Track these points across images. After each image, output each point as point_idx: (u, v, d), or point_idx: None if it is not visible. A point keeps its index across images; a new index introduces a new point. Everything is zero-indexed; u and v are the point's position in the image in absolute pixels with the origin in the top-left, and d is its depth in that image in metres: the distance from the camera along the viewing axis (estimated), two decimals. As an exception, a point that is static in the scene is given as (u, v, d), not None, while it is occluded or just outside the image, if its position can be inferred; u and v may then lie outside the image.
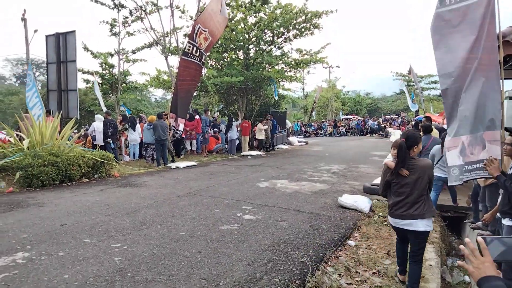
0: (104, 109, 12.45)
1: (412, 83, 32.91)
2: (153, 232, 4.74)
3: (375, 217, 6.00)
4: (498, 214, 3.50)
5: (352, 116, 39.42)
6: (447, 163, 5.06)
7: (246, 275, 3.47)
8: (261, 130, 16.12)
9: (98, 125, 11.62)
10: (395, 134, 23.96)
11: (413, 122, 11.62)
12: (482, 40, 4.82)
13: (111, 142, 11.43)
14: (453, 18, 4.83)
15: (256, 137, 16.38)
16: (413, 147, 3.44)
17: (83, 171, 8.56)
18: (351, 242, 4.83)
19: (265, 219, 5.46)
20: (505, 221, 3.29)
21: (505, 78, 5.24)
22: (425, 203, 3.40)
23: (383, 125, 31.83)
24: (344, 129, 32.81)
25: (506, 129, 4.33)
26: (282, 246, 4.35)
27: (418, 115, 20.61)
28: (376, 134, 31.29)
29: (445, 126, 8.18)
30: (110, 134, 11.45)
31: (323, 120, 37.94)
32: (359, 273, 3.95)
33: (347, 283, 3.68)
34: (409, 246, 3.64)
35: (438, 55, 4.94)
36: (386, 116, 36.11)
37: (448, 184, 4.90)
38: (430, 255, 4.70)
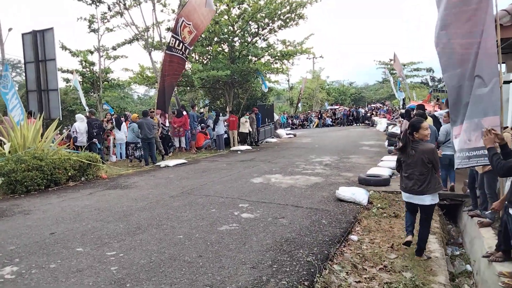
0: (86, 108, 11.98)
1: (394, 71, 33.15)
2: (149, 236, 4.53)
3: (374, 209, 5.93)
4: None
5: (338, 106, 39.55)
6: (455, 149, 5.07)
7: (252, 279, 3.32)
8: (243, 124, 15.63)
9: (79, 125, 11.17)
10: (382, 123, 24.13)
11: (402, 111, 11.64)
12: (481, 24, 4.73)
13: (96, 142, 11.04)
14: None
15: (240, 131, 15.93)
16: (413, 132, 4.06)
17: (69, 174, 8.23)
18: (354, 237, 4.73)
19: (264, 217, 5.31)
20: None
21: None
22: (428, 181, 3.96)
23: (369, 114, 32.03)
24: (330, 120, 32.89)
25: None
26: (285, 245, 4.20)
27: (404, 103, 20.72)
28: (363, 123, 31.50)
29: (436, 113, 8.18)
30: (95, 134, 11.05)
31: (308, 111, 37.91)
32: (366, 269, 3.85)
33: (355, 281, 3.57)
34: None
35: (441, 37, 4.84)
36: (372, 105, 36.32)
37: (456, 167, 5.14)
38: (434, 246, 4.64)
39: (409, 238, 4.25)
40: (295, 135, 21.42)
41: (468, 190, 5.83)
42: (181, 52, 11.81)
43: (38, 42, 11.59)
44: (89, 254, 3.97)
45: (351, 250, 4.33)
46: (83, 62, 18.63)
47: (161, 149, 11.76)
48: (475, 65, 4.61)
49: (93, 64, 19.00)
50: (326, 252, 4.05)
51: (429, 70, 45.52)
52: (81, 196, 6.99)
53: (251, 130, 16.16)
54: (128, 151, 11.74)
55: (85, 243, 4.33)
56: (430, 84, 44.54)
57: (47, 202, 6.53)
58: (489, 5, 4.76)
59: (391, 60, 30.49)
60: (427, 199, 4.00)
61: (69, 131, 14.90)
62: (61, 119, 12.26)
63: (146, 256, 3.88)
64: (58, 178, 7.91)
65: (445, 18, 4.95)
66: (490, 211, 4.81)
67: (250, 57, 16.32)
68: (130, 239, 4.45)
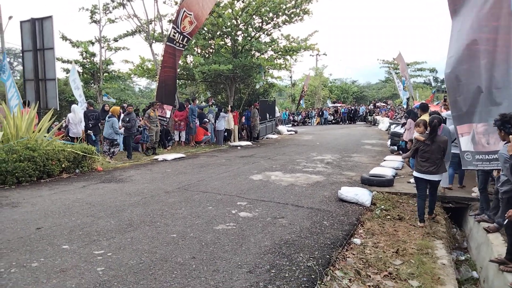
0: (79, 99, 11.64)
1: (397, 71, 32.81)
2: (140, 234, 4.29)
3: (377, 211, 5.68)
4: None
5: (340, 104, 39.25)
6: (461, 148, 4.88)
7: (248, 285, 3.08)
8: (224, 118, 14.65)
9: (72, 116, 10.88)
10: (384, 122, 23.87)
11: (411, 109, 11.38)
12: (496, 20, 4.46)
13: (91, 134, 10.74)
14: None
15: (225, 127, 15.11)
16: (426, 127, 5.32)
17: (63, 166, 7.97)
18: (357, 240, 4.48)
19: (263, 216, 5.07)
20: None
21: None
22: (440, 164, 5.13)
23: (370, 113, 31.81)
24: (331, 117, 32.63)
25: None
26: (284, 247, 3.96)
27: (408, 103, 20.43)
28: (364, 122, 31.24)
29: (443, 114, 7.93)
30: (90, 126, 10.76)
31: (310, 108, 37.61)
32: (370, 276, 3.61)
33: (359, 290, 3.33)
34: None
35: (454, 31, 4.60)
36: (377, 104, 36.01)
37: (462, 168, 5.53)
38: (441, 252, 4.40)
39: (422, 224, 5.17)
40: (296, 132, 21.16)
41: (479, 194, 5.57)
42: (181, 45, 11.55)
43: (37, 31, 11.33)
44: (75, 252, 3.73)
45: (353, 254, 4.09)
46: (84, 52, 18.35)
47: (155, 141, 11.46)
48: (494, 62, 4.35)
49: (93, 55, 18.71)
50: (327, 256, 3.81)
51: (433, 70, 45.13)
52: (73, 189, 6.75)
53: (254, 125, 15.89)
54: (103, 147, 10.97)
55: (72, 240, 4.09)
56: (433, 84, 44.25)
57: (37, 194, 6.28)
58: (505, 1, 4.50)
59: (394, 59, 30.16)
60: (437, 177, 5.24)
61: (64, 121, 14.70)
62: (58, 109, 12.02)
63: (136, 256, 3.64)
64: (51, 170, 7.66)
65: (467, 15, 4.70)
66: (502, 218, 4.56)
67: (253, 51, 16.01)
68: (121, 236, 4.21)
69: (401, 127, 12.55)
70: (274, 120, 20.31)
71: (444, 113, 8.13)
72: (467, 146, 4.88)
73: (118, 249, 3.83)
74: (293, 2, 15.19)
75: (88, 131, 10.70)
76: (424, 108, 7.52)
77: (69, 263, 3.46)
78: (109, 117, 10.06)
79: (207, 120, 14.93)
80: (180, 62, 13.69)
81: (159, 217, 5.00)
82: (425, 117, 6.78)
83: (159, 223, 4.72)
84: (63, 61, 18.42)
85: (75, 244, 3.96)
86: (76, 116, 10.85)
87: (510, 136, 3.09)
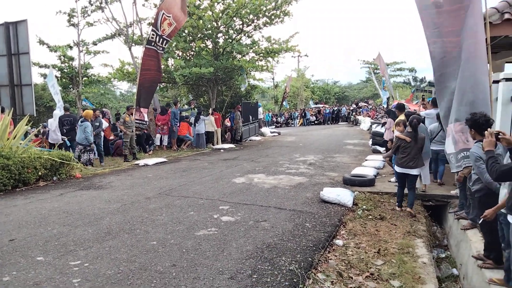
0: (58, 104, 11.32)
1: (377, 71, 33.33)
2: (119, 243, 4.18)
3: (359, 211, 5.71)
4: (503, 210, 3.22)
5: (322, 105, 39.61)
6: (446, 151, 4.99)
7: (229, 292, 3.03)
8: (204, 121, 14.50)
9: (51, 122, 10.58)
10: (365, 122, 24.17)
11: (391, 109, 11.54)
12: (468, 22, 4.56)
13: (66, 140, 10.41)
14: None
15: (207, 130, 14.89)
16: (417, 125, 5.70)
17: (40, 173, 7.74)
18: (339, 242, 4.49)
19: (245, 220, 5.02)
20: (511, 219, 3.01)
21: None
22: (418, 159, 5.66)
23: (353, 114, 32.18)
24: (314, 118, 32.87)
25: None
26: (267, 251, 3.93)
27: (388, 102, 20.75)
28: (346, 122, 31.59)
29: (422, 113, 8.10)
30: (65, 131, 10.41)
31: (293, 109, 37.82)
32: (352, 278, 3.61)
33: (341, 292, 3.32)
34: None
35: (427, 36, 4.68)
36: (359, 104, 36.49)
37: (451, 171, 5.60)
38: (421, 250, 4.45)
39: (399, 209, 5.89)
40: (279, 134, 21.22)
41: (458, 191, 5.68)
42: (161, 48, 11.42)
43: (11, 35, 11.01)
44: (50, 264, 3.60)
45: (336, 256, 4.09)
46: (62, 57, 17.94)
47: (133, 146, 11.25)
48: (464, 63, 4.44)
49: (72, 59, 18.31)
50: (310, 259, 3.80)
51: (412, 70, 46.13)
52: (50, 197, 6.55)
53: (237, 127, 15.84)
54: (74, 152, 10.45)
55: (48, 251, 3.95)
56: (413, 83, 45.14)
57: (12, 204, 6.06)
58: (474, 2, 4.60)
59: (374, 59, 30.66)
60: (415, 171, 5.72)
61: (44, 127, 14.29)
62: (35, 115, 11.68)
63: (114, 266, 3.54)
64: (27, 178, 7.42)
65: (429, 18, 4.79)
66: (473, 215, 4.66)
67: (234, 54, 15.95)
68: (98, 246, 4.09)
69: (382, 126, 12.71)
70: (257, 122, 20.31)
71: (423, 112, 8.29)
72: (450, 149, 4.99)
73: (96, 259, 3.72)
74: (273, 4, 15.22)
75: (62, 137, 10.40)
76: (401, 108, 7.68)
77: (43, 276, 3.33)
78: (81, 122, 9.70)
79: (189, 123, 14.76)
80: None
81: (139, 224, 4.89)
82: (402, 116, 6.95)
83: (138, 231, 4.61)
84: (40, 66, 17.96)
85: (50, 255, 3.83)
86: (55, 121, 10.58)
87: (486, 132, 3.14)
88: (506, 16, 5.44)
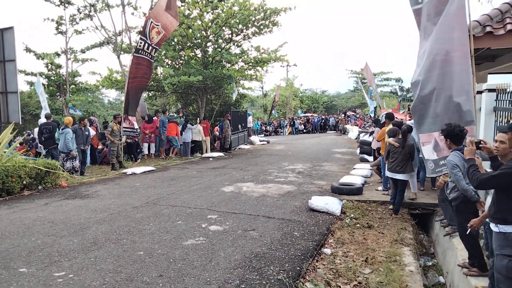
0: (48, 111, 11.17)
1: (365, 81, 33.80)
2: (105, 253, 4.11)
3: (347, 220, 5.74)
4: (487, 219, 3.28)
5: (311, 114, 39.92)
6: (424, 157, 5.05)
7: (217, 302, 3.01)
8: (190, 130, 14.39)
9: (36, 130, 10.40)
10: (353, 131, 24.41)
11: (378, 118, 11.71)
12: (453, 31, 4.68)
13: (42, 149, 10.15)
14: (429, 11, 4.68)
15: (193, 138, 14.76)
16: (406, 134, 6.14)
17: (24, 182, 7.59)
18: (327, 250, 4.50)
19: (233, 229, 5.00)
20: (493, 227, 3.06)
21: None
22: (406, 165, 6.01)
23: (340, 124, 32.52)
24: (303, 127, 33.07)
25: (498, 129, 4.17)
26: (255, 261, 3.91)
27: (375, 112, 21.03)
28: (334, 131, 31.86)
29: (409, 123, 8.23)
30: (43, 139, 10.19)
31: (282, 118, 38.02)
32: (340, 287, 3.62)
33: (329, 301, 3.32)
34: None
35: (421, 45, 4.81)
36: (348, 113, 36.89)
37: (426, 176, 6.15)
38: (408, 259, 4.48)
39: (391, 207, 6.30)
40: (268, 142, 21.26)
41: (440, 204, 5.75)
42: (149, 55, 11.41)
43: (-4, 42, 10.87)
44: (33, 275, 3.52)
45: (324, 265, 4.10)
46: (49, 64, 17.79)
47: (120, 154, 11.11)
48: (448, 74, 4.55)
49: (59, 66, 18.19)
50: (298, 268, 3.79)
51: (398, 80, 46.97)
52: (35, 207, 6.42)
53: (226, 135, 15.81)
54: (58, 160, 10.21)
55: (31, 262, 3.86)
56: (399, 93, 45.91)
57: (-5, 214, 5.93)
58: (460, 15, 4.74)
59: (362, 70, 31.14)
60: (402, 176, 6.05)
61: (28, 135, 14.06)
62: (20, 123, 11.50)
63: (100, 277, 3.48)
64: (11, 187, 7.27)
65: (425, 27, 4.91)
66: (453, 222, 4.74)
67: (223, 63, 16.03)
68: (84, 256, 4.02)
69: (369, 135, 12.86)
70: (247, 130, 20.33)
71: (409, 122, 8.45)
72: (429, 155, 5.06)
73: (81, 269, 3.65)
74: (262, 14, 15.38)
75: (39, 145, 10.18)
76: (390, 117, 7.78)
77: (26, 288, 3.26)
78: (62, 129, 9.57)
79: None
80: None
81: (126, 233, 4.83)
82: (390, 126, 7.06)
83: (125, 240, 4.55)
84: (26, 74, 17.81)
85: (33, 266, 3.74)
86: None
87: (468, 140, 3.24)
88: (488, 29, 5.61)
